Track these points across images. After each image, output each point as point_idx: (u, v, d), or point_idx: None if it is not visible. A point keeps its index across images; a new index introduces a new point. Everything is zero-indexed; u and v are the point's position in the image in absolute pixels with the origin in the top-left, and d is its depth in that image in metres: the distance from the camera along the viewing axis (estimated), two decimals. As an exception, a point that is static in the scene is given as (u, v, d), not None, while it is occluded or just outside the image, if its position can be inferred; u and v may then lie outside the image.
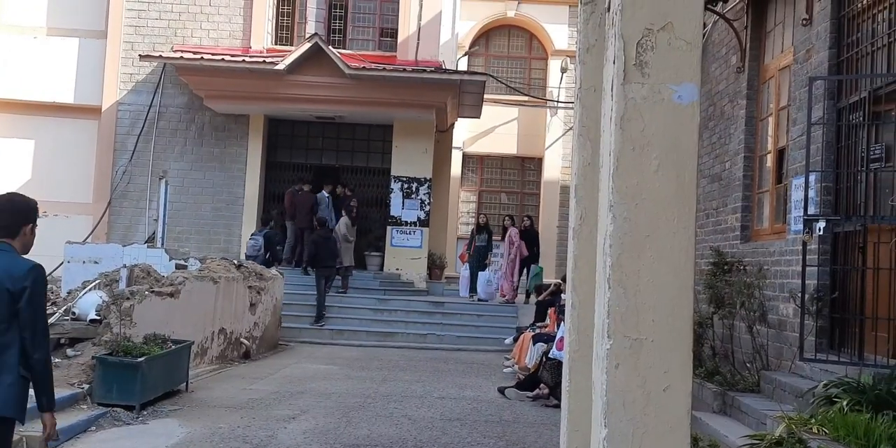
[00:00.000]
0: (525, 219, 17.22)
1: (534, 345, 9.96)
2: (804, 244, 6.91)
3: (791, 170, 7.96)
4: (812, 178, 7.03)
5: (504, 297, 15.80)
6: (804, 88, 7.49)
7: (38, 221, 4.21)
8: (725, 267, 9.13)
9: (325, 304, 14.31)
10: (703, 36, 10.54)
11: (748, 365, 8.26)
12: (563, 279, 11.15)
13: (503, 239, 16.47)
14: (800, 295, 6.91)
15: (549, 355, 9.03)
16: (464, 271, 16.46)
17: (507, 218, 16.94)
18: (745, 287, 8.26)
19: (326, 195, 16.35)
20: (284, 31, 17.40)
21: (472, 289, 15.99)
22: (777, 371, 7.72)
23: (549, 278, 17.09)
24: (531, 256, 16.23)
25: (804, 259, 6.86)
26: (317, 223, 14.87)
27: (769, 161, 9.00)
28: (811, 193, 7.06)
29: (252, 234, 15.17)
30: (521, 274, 16.22)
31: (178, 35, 16.86)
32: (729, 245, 9.58)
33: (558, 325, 9.55)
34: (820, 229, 6.82)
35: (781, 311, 7.89)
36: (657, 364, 2.30)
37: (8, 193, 4.05)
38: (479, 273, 15.95)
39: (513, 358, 11.28)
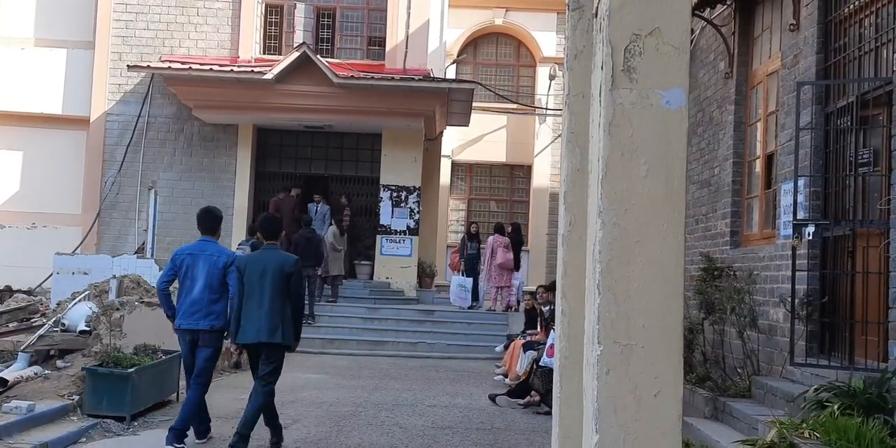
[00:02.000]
0: (508, 226, 17.13)
1: (524, 352, 9.95)
2: (794, 249, 6.92)
3: (780, 175, 7.99)
4: (801, 182, 7.06)
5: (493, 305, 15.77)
6: (792, 93, 7.52)
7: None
8: (715, 272, 9.14)
9: (315, 312, 14.25)
10: (692, 42, 10.60)
11: (739, 370, 8.26)
12: (546, 287, 11.12)
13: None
14: (790, 299, 6.92)
15: (540, 363, 9.02)
16: (455, 279, 16.39)
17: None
18: (735, 292, 8.27)
19: (324, 206, 16.35)
20: (272, 41, 17.39)
21: (475, 297, 15.93)
22: (768, 376, 7.72)
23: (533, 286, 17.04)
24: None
25: (794, 264, 6.88)
26: (302, 223, 14.83)
27: (758, 166, 9.03)
28: (800, 198, 7.08)
29: (239, 244, 15.02)
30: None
31: (167, 45, 16.83)
32: (719, 251, 9.59)
33: (548, 333, 9.54)
34: (809, 234, 6.84)
35: (772, 316, 7.90)
36: (648, 369, 2.29)
37: (268, 213, 7.50)
38: (479, 282, 15.94)
39: (503, 365, 11.26)
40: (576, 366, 2.86)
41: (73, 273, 11.93)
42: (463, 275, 16.12)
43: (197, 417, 6.70)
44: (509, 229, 16.75)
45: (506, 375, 10.85)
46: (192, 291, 6.65)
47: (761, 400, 7.23)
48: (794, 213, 6.96)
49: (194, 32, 16.86)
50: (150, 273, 11.48)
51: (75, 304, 9.32)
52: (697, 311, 9.03)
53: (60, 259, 12.32)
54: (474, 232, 16.73)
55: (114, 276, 9.90)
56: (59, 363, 8.24)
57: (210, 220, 6.97)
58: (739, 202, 9.39)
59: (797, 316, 6.98)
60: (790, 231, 7.14)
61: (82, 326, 8.68)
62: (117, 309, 8.39)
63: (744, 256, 8.82)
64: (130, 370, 7.34)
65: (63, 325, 8.84)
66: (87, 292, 9.71)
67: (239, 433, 6.24)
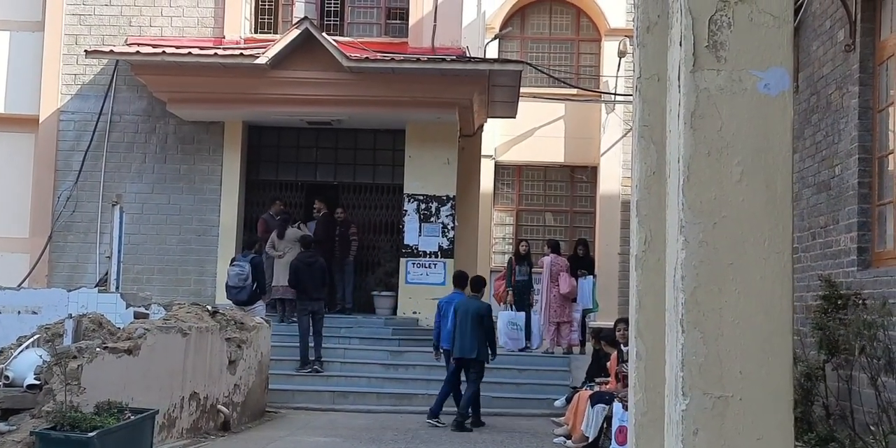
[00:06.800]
0: (580, 247, 16.96)
1: (592, 407, 9.91)
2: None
3: (919, 174, 7.91)
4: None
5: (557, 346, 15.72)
6: (931, 70, 7.46)
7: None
8: (839, 301, 9.04)
9: (322, 356, 14.32)
10: (800, 5, 10.56)
11: (873, 428, 8.15)
12: (617, 323, 11.06)
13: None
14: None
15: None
16: (503, 315, 16.32)
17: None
18: (865, 327, 8.17)
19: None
20: (266, 16, 17.62)
21: (528, 336, 15.86)
22: (911, 436, 7.61)
23: (608, 319, 16.94)
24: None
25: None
26: (301, 245, 14.96)
27: (891, 163, 8.95)
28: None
29: (234, 261, 14.95)
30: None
31: (134, 24, 17.10)
32: (843, 273, 9.49)
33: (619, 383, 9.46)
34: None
35: (914, 358, 7.79)
36: (748, 429, 2.28)
37: (478, 276, 13.71)
38: (534, 316, 15.88)
39: (565, 424, 11.23)
40: (656, 424, 2.85)
41: (19, 312, 12.11)
42: (512, 308, 16.05)
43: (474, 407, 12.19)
44: (582, 250, 16.65)
45: (568, 436, 10.81)
46: (446, 327, 12.54)
47: (902, 467, 7.12)
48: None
49: (168, 7, 17.12)
50: (116, 311, 11.61)
51: (21, 351, 9.45)
52: (816, 351, 8.93)
53: (3, 295, 12.51)
54: (524, 252, 16.65)
55: (70, 316, 10.02)
56: (1, 426, 8.35)
57: (461, 280, 13.05)
58: (868, 210, 9.30)
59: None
60: (935, 247, 7.05)
61: (30, 380, 8.80)
62: (74, 357, 8.49)
63: (876, 280, 8.73)
64: (91, 434, 7.41)
65: (7, 378, 8.96)
66: (36, 336, 9.85)
67: (459, 413, 11.93)
